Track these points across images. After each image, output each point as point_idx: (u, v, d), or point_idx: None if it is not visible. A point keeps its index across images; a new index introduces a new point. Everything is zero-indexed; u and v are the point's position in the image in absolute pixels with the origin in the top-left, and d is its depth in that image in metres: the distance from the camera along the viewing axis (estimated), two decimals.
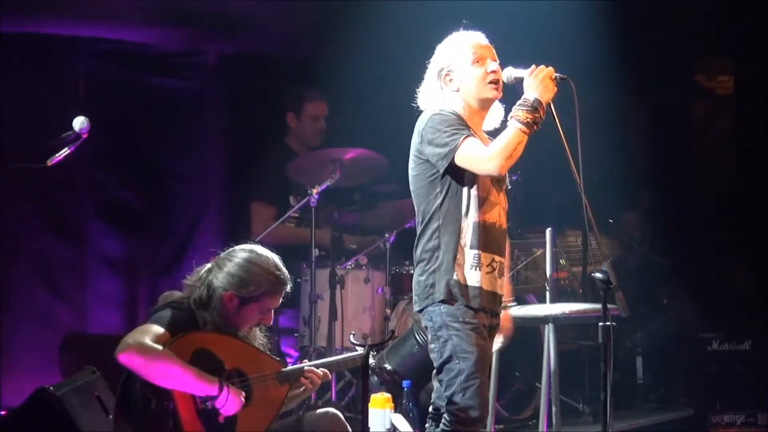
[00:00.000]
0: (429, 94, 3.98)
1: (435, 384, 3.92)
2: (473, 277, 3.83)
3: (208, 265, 4.06)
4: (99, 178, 6.71)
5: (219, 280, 3.98)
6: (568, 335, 6.03)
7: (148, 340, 3.74)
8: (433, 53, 4.02)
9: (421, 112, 3.99)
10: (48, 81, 6.41)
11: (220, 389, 3.79)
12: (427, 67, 4.01)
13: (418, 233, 3.93)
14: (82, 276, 6.63)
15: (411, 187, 3.96)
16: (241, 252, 4.05)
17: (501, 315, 4.03)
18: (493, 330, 3.97)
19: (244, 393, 3.87)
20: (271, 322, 4.12)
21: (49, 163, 4.55)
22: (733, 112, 7.95)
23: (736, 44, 7.55)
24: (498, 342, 4.10)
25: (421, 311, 3.92)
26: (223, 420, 3.84)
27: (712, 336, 6.16)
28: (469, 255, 3.84)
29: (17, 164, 4.79)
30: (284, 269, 4.08)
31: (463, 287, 3.82)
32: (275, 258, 4.08)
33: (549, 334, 4.98)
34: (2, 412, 5.39)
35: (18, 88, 6.20)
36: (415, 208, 3.95)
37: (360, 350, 4.19)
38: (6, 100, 6.11)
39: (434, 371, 3.91)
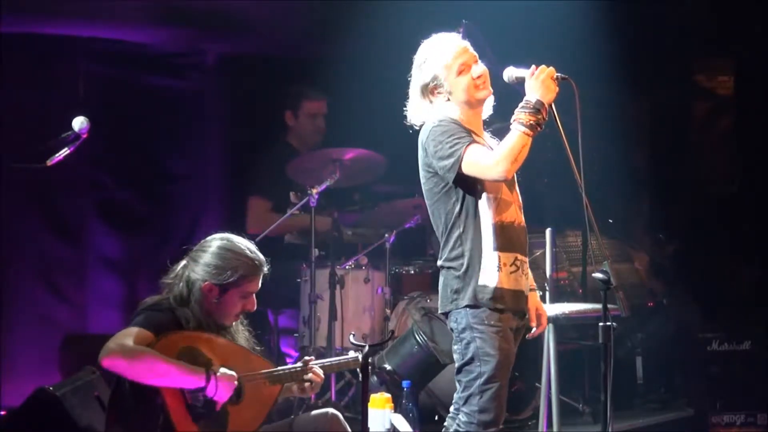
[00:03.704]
0: (419, 110, 3.98)
1: (457, 384, 3.93)
2: (497, 279, 3.84)
3: (184, 261, 4.05)
4: (99, 178, 6.71)
5: (196, 272, 3.97)
6: (568, 335, 6.03)
7: (129, 342, 3.74)
8: None
9: (411, 126, 4.01)
10: (48, 81, 6.41)
11: (208, 379, 3.77)
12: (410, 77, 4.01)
13: (441, 243, 3.94)
14: (82, 276, 6.63)
15: (427, 201, 3.98)
16: (213, 241, 4.04)
17: (530, 300, 4.01)
18: (519, 331, 3.98)
19: (234, 374, 3.85)
20: (255, 308, 4.06)
21: (49, 163, 4.54)
22: (733, 112, 7.95)
23: (736, 44, 7.55)
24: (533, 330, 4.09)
25: (445, 315, 3.93)
26: (214, 415, 3.82)
27: (712, 336, 6.15)
28: (492, 257, 3.85)
29: (17, 164, 4.78)
30: (259, 253, 4.06)
31: (488, 290, 3.83)
32: (248, 243, 4.07)
33: (549, 334, 4.98)
34: (2, 412, 5.39)
35: (18, 88, 6.20)
36: (435, 219, 3.96)
37: (353, 354, 4.21)
38: (6, 100, 6.11)
39: (455, 372, 3.92)
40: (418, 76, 3.98)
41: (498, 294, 3.83)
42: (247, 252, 4.02)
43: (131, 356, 3.71)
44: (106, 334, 4.02)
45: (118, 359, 3.71)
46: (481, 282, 3.83)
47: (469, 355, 3.84)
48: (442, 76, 3.92)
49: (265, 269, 4.06)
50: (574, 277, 6.58)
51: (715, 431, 6.02)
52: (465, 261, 3.86)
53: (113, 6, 6.18)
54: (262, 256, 4.06)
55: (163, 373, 3.72)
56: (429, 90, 3.95)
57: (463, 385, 3.87)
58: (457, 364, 3.90)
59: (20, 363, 6.11)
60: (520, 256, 3.92)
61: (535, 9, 6.50)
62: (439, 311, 3.98)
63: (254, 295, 4.05)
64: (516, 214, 3.95)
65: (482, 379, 3.82)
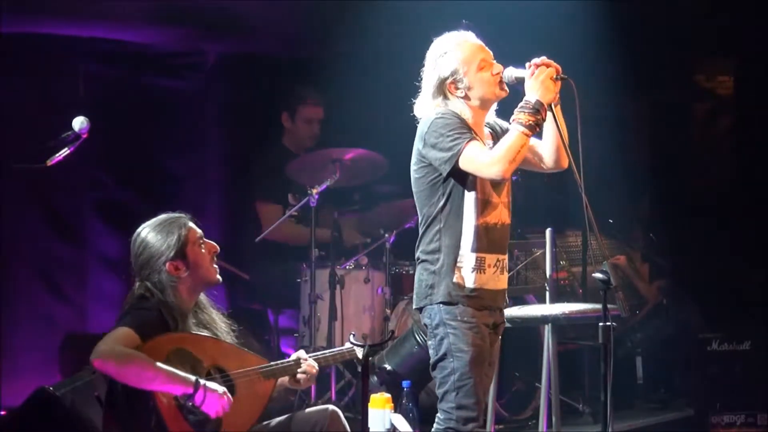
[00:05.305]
0: (431, 106, 3.92)
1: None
2: (475, 280, 3.83)
3: (136, 284, 4.04)
4: (99, 178, 6.71)
5: (153, 271, 3.98)
6: (568, 335, 6.03)
7: (120, 344, 3.77)
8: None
9: (413, 123, 3.98)
10: (48, 81, 6.41)
11: (196, 388, 3.77)
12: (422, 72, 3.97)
13: (420, 234, 3.92)
14: (82, 276, 6.63)
15: (413, 189, 3.95)
16: (137, 243, 4.08)
17: None
18: (498, 327, 3.97)
19: (224, 389, 3.84)
20: (217, 246, 4.11)
21: (49, 163, 4.55)
22: (733, 112, 7.96)
23: (736, 44, 7.55)
24: None
25: (420, 309, 3.93)
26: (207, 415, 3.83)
27: (712, 336, 6.16)
28: (471, 258, 3.83)
29: (17, 164, 4.79)
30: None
31: (463, 290, 3.82)
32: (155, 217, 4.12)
33: (549, 334, 4.97)
34: (2, 412, 5.39)
35: (18, 88, 6.20)
36: (417, 209, 3.95)
37: (348, 345, 4.21)
38: (6, 100, 6.11)
39: (430, 368, 3.91)
40: (434, 71, 3.90)
41: (474, 294, 3.83)
42: (162, 216, 4.09)
43: (121, 360, 3.73)
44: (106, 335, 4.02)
45: (108, 362, 3.75)
46: (455, 280, 3.82)
47: (442, 351, 3.83)
48: (462, 71, 3.87)
49: (188, 216, 4.10)
50: (574, 277, 6.59)
51: (715, 431, 6.02)
52: (441, 257, 3.84)
53: (113, 6, 6.18)
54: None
55: (151, 378, 3.74)
56: (446, 86, 3.89)
57: (438, 381, 3.86)
58: (431, 361, 3.89)
59: (20, 363, 6.10)
60: (500, 257, 3.92)
61: (536, 9, 6.50)
62: (414, 306, 3.97)
63: (204, 239, 4.07)
64: (501, 215, 3.92)
65: (456, 376, 3.80)
